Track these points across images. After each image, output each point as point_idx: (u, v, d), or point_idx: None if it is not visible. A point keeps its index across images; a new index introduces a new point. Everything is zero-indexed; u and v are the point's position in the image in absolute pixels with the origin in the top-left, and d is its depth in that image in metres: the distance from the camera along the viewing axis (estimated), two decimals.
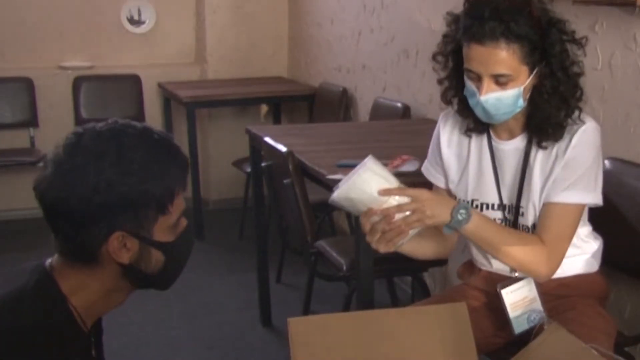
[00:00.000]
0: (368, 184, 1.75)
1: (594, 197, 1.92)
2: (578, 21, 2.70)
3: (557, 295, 2.03)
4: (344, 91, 4.72)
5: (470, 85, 1.87)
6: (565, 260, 2.01)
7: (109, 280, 1.42)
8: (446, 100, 2.02)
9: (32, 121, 5.26)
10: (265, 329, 3.70)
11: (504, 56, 1.80)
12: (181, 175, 1.44)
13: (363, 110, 4.57)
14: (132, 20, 5.62)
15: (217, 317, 3.81)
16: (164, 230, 1.42)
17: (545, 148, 1.92)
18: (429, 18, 3.65)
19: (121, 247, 1.38)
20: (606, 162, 2.55)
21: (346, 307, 3.00)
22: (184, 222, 1.48)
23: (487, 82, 1.83)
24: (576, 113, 1.89)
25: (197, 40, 5.74)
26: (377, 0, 4.30)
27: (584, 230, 2.06)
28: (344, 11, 4.77)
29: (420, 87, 3.82)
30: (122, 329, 3.52)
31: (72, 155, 1.37)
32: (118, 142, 1.37)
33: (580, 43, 1.89)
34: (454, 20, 1.92)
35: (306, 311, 3.41)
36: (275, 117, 5.61)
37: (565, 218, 1.91)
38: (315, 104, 5.07)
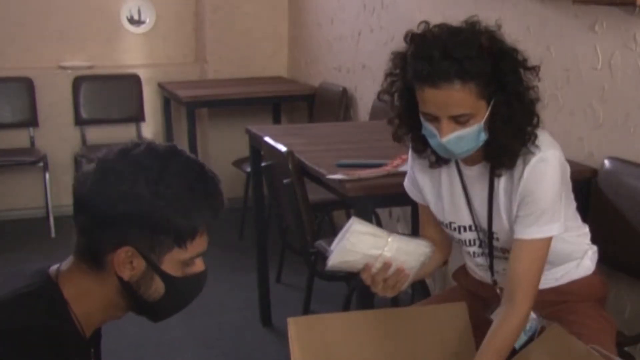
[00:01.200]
0: (358, 246, 1.80)
1: (559, 228, 1.87)
2: (578, 21, 2.70)
3: (555, 302, 2.03)
4: (344, 91, 4.72)
5: (428, 126, 1.81)
6: (559, 270, 2.02)
7: (108, 293, 1.42)
8: (398, 138, 1.97)
9: (32, 121, 5.26)
10: (265, 329, 3.70)
11: (460, 96, 1.73)
12: (210, 217, 1.43)
13: (363, 110, 4.57)
14: (132, 20, 5.62)
15: (217, 316, 3.81)
16: (174, 263, 1.42)
17: (499, 175, 1.88)
18: (429, 18, 3.64)
19: (126, 262, 1.39)
20: (606, 161, 2.55)
21: (346, 307, 3.00)
22: (200, 266, 1.49)
23: (446, 124, 1.77)
24: (532, 139, 1.83)
25: (197, 40, 5.74)
26: (377, 0, 4.30)
27: (576, 232, 2.04)
28: (344, 11, 4.77)
29: None
30: (121, 329, 3.50)
31: (119, 159, 1.39)
32: (165, 163, 1.39)
33: (533, 69, 1.82)
34: (399, 59, 1.86)
35: (306, 311, 3.41)
36: (275, 117, 5.61)
37: (534, 253, 1.87)
38: (315, 104, 5.07)
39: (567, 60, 2.75)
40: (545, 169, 1.83)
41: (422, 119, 1.82)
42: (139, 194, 1.35)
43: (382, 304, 2.55)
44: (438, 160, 1.95)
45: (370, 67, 4.46)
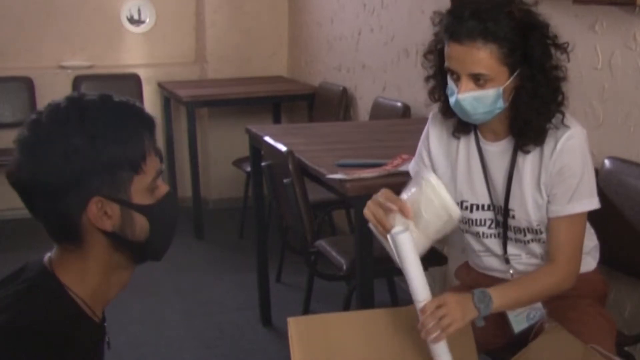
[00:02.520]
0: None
1: (596, 202, 1.94)
2: (578, 21, 2.70)
3: (556, 297, 2.03)
4: (344, 91, 4.72)
5: (451, 83, 1.88)
6: None
7: (102, 257, 1.40)
8: (433, 98, 2.03)
9: None
10: (265, 329, 3.70)
11: (481, 56, 1.80)
12: (148, 133, 1.41)
13: (363, 109, 4.57)
14: (132, 20, 5.62)
15: (217, 316, 3.81)
16: (141, 192, 1.39)
17: (527, 152, 1.92)
18: (430, 17, 3.64)
19: (102, 214, 1.36)
20: (606, 161, 2.55)
21: (346, 307, 3.00)
22: (164, 188, 1.45)
23: (465, 81, 1.84)
24: (558, 117, 1.88)
25: (197, 40, 5.74)
26: (377, 0, 4.30)
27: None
28: (344, 10, 4.77)
29: (420, 87, 3.77)
30: (122, 328, 3.52)
31: (35, 130, 1.36)
32: (79, 108, 1.36)
33: (563, 47, 1.87)
34: (439, 18, 1.93)
35: (306, 311, 3.41)
36: (275, 116, 5.61)
37: (574, 229, 1.93)
38: (315, 104, 5.07)
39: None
40: (579, 144, 1.90)
41: (448, 76, 1.89)
42: (74, 146, 1.32)
43: (382, 304, 2.55)
44: (459, 128, 1.99)
45: (370, 66, 4.46)
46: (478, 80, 1.82)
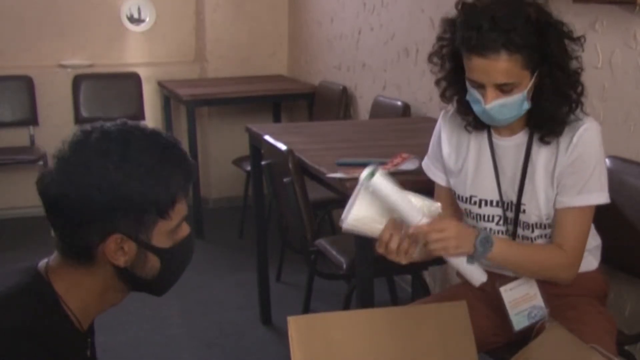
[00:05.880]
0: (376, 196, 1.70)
1: (606, 197, 1.94)
2: (578, 20, 2.69)
3: (556, 295, 2.03)
4: (344, 89, 4.72)
5: (474, 92, 1.87)
6: None
7: (103, 280, 1.42)
8: (446, 99, 2.03)
9: (31, 119, 5.26)
10: (265, 328, 3.70)
11: (506, 66, 1.79)
12: (184, 181, 1.42)
13: (363, 108, 4.57)
14: (132, 19, 5.62)
15: (217, 315, 3.81)
16: (162, 235, 1.41)
17: (548, 143, 1.92)
18: (430, 16, 3.65)
19: (118, 250, 1.38)
20: (607, 160, 2.54)
21: (346, 306, 3.00)
22: (185, 229, 1.47)
23: (490, 91, 1.83)
24: (578, 108, 1.90)
25: (197, 39, 5.74)
26: None
27: None
28: (344, 9, 4.76)
29: (420, 86, 3.82)
30: (121, 328, 3.51)
31: (77, 152, 1.36)
32: (125, 143, 1.36)
33: (578, 41, 1.89)
34: (449, 25, 1.91)
35: (306, 310, 3.41)
36: (275, 115, 5.61)
37: (581, 221, 1.93)
38: (315, 103, 5.07)
39: None
40: (594, 137, 1.90)
41: (467, 84, 1.88)
42: (110, 181, 1.33)
43: (382, 303, 2.55)
44: (476, 124, 1.99)
45: (370, 65, 4.45)
46: (503, 88, 1.82)
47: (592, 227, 2.08)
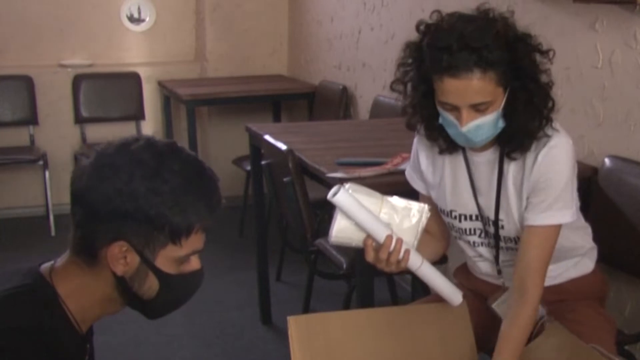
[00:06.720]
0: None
1: (572, 215, 1.88)
2: (578, 19, 2.70)
3: (554, 301, 2.02)
4: (344, 89, 4.72)
5: (447, 116, 1.81)
6: (558, 267, 2.01)
7: (104, 287, 1.42)
8: (412, 127, 1.98)
9: (32, 119, 5.26)
10: (265, 327, 3.70)
11: (480, 85, 1.73)
12: (206, 214, 1.42)
13: (363, 108, 4.56)
14: (132, 18, 5.62)
15: (217, 315, 3.81)
16: (169, 259, 1.41)
17: (514, 159, 1.88)
18: (430, 16, 3.64)
19: (120, 257, 1.38)
20: (606, 160, 2.55)
21: (346, 305, 3.00)
22: (195, 264, 1.47)
23: (466, 113, 1.77)
24: (548, 124, 1.84)
25: (197, 38, 5.74)
26: None
27: (577, 232, 2.04)
28: (344, 9, 4.76)
29: None
30: (121, 327, 3.51)
31: (117, 152, 1.38)
32: (162, 160, 1.38)
33: (547, 54, 1.83)
34: (414, 49, 1.87)
35: (306, 309, 3.41)
36: (275, 115, 5.61)
37: (545, 240, 1.87)
38: (315, 102, 5.07)
39: (567, 59, 2.75)
40: (559, 155, 1.84)
41: (439, 108, 1.82)
42: (134, 190, 1.34)
43: (382, 303, 2.55)
44: (448, 147, 1.95)
45: (370, 65, 4.45)
46: (478, 108, 1.77)
47: (587, 228, 2.08)
